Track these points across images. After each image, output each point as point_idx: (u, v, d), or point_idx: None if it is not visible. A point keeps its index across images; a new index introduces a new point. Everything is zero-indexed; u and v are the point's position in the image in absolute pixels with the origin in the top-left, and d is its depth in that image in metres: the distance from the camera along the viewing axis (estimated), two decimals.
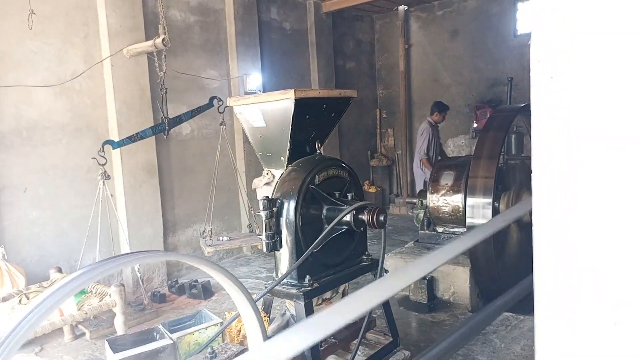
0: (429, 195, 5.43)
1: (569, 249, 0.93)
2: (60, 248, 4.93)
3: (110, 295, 3.71)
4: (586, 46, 0.88)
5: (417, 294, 4.84)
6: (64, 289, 1.37)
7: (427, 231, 5.64)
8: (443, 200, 5.31)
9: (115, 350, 2.49)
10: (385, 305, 3.31)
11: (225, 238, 5.30)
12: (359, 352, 3.20)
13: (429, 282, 4.81)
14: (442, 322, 4.46)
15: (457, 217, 5.21)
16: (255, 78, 6.79)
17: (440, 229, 5.50)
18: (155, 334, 2.69)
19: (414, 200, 6.06)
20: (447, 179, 5.37)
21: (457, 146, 9.01)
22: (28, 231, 4.70)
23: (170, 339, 2.55)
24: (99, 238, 4.61)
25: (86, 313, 3.55)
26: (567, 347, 0.95)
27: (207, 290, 5.17)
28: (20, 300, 3.65)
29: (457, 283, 4.79)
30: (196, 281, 5.31)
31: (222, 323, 2.83)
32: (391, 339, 3.35)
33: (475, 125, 8.42)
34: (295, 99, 2.75)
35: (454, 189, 5.23)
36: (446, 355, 2.71)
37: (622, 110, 0.86)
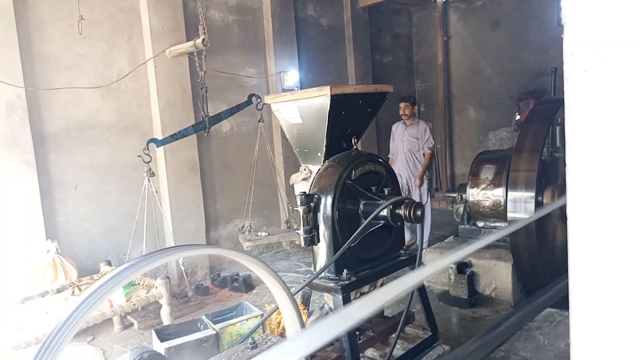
0: (468, 189, 5.35)
1: (603, 241, 0.93)
2: (110, 242, 5.16)
3: (156, 287, 3.87)
4: (621, 40, 0.87)
5: (458, 289, 4.78)
6: (112, 281, 1.46)
7: (467, 226, 5.56)
8: (483, 195, 5.22)
9: (162, 339, 2.61)
10: (424, 299, 3.30)
11: (263, 233, 5.41)
12: (398, 346, 3.22)
13: (470, 277, 4.74)
14: (484, 318, 4.40)
15: (498, 212, 5.11)
16: (292, 75, 6.86)
17: (480, 224, 5.42)
18: (199, 324, 2.80)
19: (453, 195, 5.99)
20: (487, 172, 5.28)
21: (498, 139, 8.80)
22: (79, 226, 4.95)
23: (214, 329, 2.64)
24: (145, 232, 4.79)
25: (134, 304, 3.71)
26: (602, 341, 0.95)
27: (247, 284, 5.29)
28: (73, 292, 3.85)
29: (499, 278, 4.71)
30: (237, 275, 5.45)
31: (262, 315, 2.91)
32: (430, 334, 3.34)
33: (517, 117, 8.20)
34: (331, 96, 2.78)
35: (495, 183, 5.13)
36: (487, 349, 2.70)
37: None
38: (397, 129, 6.45)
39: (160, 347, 2.49)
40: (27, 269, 4.26)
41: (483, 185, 5.23)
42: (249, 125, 6.43)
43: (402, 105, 6.25)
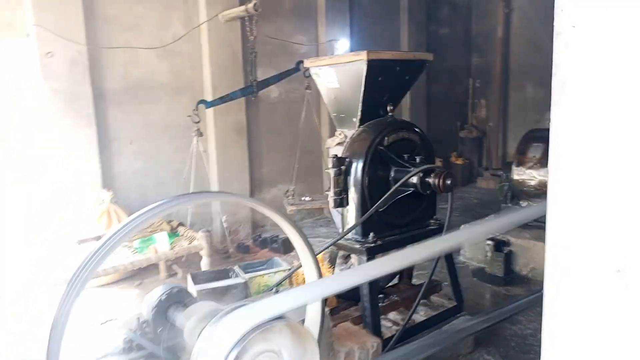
0: (513, 167, 5.24)
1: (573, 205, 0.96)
2: (160, 196, 5.36)
3: (197, 239, 4.12)
4: None
5: (493, 266, 4.75)
6: (134, 222, 1.63)
7: (509, 204, 5.46)
8: (529, 174, 5.10)
9: (196, 282, 2.82)
10: (451, 268, 3.34)
11: (307, 198, 5.56)
12: (421, 313, 3.30)
13: (507, 256, 4.70)
14: (517, 297, 4.35)
15: (544, 192, 4.94)
16: (343, 44, 6.85)
17: (524, 204, 5.30)
18: (231, 273, 2.99)
19: (499, 173, 5.87)
20: (535, 151, 5.14)
21: None
22: (133, 180, 5.28)
23: (243, 278, 2.82)
24: (193, 189, 5.05)
25: (176, 253, 3.98)
26: (571, 300, 0.98)
27: (286, 246, 5.47)
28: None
29: (537, 259, 4.63)
30: (277, 236, 5.64)
31: (289, 270, 3.06)
32: (455, 304, 3.39)
33: None
34: (367, 61, 2.81)
35: (543, 162, 4.99)
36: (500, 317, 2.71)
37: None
38: None
39: (193, 289, 2.70)
40: (84, 215, 4.63)
41: (530, 164, 5.11)
42: (297, 93, 6.51)
43: None
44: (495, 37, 8.90)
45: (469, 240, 4.65)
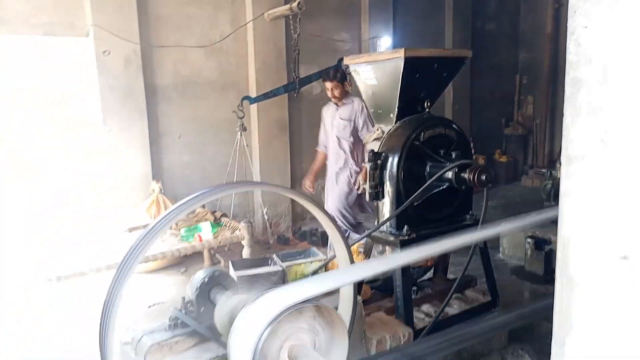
0: (558, 165, 5.15)
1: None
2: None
3: (240, 230, 4.30)
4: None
5: (533, 265, 4.70)
6: (181, 207, 1.78)
7: (552, 203, 5.37)
8: None
9: (236, 269, 2.98)
10: (486, 264, 3.35)
11: None
12: (454, 306, 3.34)
13: (547, 254, 4.63)
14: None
15: None
16: (386, 41, 6.89)
17: None
18: (269, 261, 3.14)
19: (542, 171, 5.77)
20: None
21: None
22: (180, 172, 5.55)
23: (281, 266, 2.96)
24: None
25: (220, 242, 4.18)
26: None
27: (325, 238, 5.60)
28: (170, 227, 4.40)
29: None
30: (316, 229, 5.78)
31: (325, 259, 3.18)
32: (490, 299, 3.40)
33: None
34: (404, 58, 2.87)
35: None
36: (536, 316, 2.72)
37: None
38: (328, 112, 4.79)
39: (233, 275, 2.86)
40: (135, 204, 4.92)
41: None
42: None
43: (328, 85, 4.52)
44: (544, 32, 8.67)
45: (497, 234, 4.62)
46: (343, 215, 4.64)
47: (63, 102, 4.77)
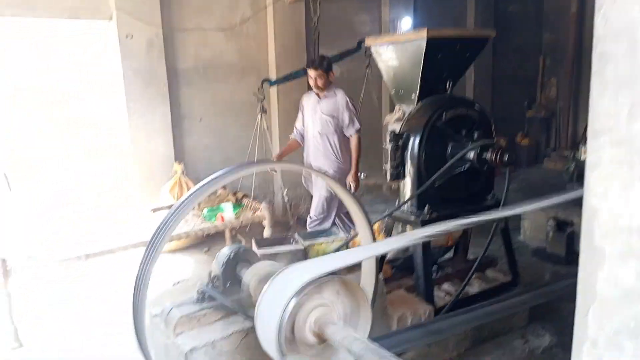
0: (581, 146, 5.09)
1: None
2: None
3: (261, 210, 4.37)
4: None
5: (555, 246, 4.68)
6: (206, 186, 1.83)
7: (575, 186, 5.30)
8: None
9: (259, 247, 3.05)
10: (507, 244, 3.36)
11: (363, 175, 5.68)
12: (475, 286, 3.36)
13: (569, 236, 4.60)
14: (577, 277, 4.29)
15: None
16: (406, 23, 6.82)
17: None
18: (292, 240, 3.19)
19: (565, 153, 5.69)
20: None
21: None
22: (201, 154, 5.63)
23: (302, 245, 3.01)
24: None
25: (241, 222, 4.26)
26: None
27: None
28: (193, 208, 4.49)
29: None
30: None
31: (346, 238, 3.22)
32: (510, 279, 3.42)
33: None
34: (427, 38, 2.86)
35: None
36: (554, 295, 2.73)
37: None
38: (309, 102, 4.45)
39: (257, 251, 2.93)
40: (158, 185, 5.02)
41: None
42: (358, 72, 6.55)
43: (312, 73, 4.20)
44: (568, 12, 8.46)
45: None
46: (320, 224, 4.42)
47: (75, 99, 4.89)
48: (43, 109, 4.84)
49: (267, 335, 1.69)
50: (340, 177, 4.34)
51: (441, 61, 3.04)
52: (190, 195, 1.89)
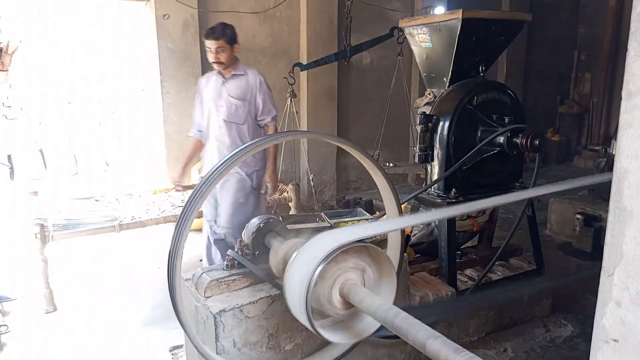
0: (613, 142, 4.98)
1: None
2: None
3: (287, 192, 4.44)
4: None
5: (581, 241, 4.63)
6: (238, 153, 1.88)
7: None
8: None
9: (287, 223, 3.12)
10: (533, 232, 3.35)
11: (390, 164, 5.72)
12: (498, 272, 3.37)
13: (596, 231, 4.54)
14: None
15: None
16: (439, 11, 6.76)
17: None
18: (318, 219, 3.25)
19: (596, 148, 5.60)
20: None
21: None
22: None
23: (329, 222, 3.07)
24: (284, 149, 5.38)
25: (268, 202, 4.34)
26: None
27: (369, 207, 5.67)
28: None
29: None
30: (360, 199, 5.85)
31: (372, 218, 3.27)
32: (535, 268, 3.40)
33: None
34: (462, 19, 2.86)
35: None
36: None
37: None
38: (209, 85, 3.54)
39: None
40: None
41: None
42: (389, 60, 6.56)
43: (211, 45, 3.32)
44: (606, 6, 8.25)
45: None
46: (232, 235, 3.45)
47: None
48: (79, 87, 5.00)
49: (296, 299, 1.74)
50: (255, 179, 3.54)
51: (475, 44, 3.03)
52: (222, 164, 1.93)
